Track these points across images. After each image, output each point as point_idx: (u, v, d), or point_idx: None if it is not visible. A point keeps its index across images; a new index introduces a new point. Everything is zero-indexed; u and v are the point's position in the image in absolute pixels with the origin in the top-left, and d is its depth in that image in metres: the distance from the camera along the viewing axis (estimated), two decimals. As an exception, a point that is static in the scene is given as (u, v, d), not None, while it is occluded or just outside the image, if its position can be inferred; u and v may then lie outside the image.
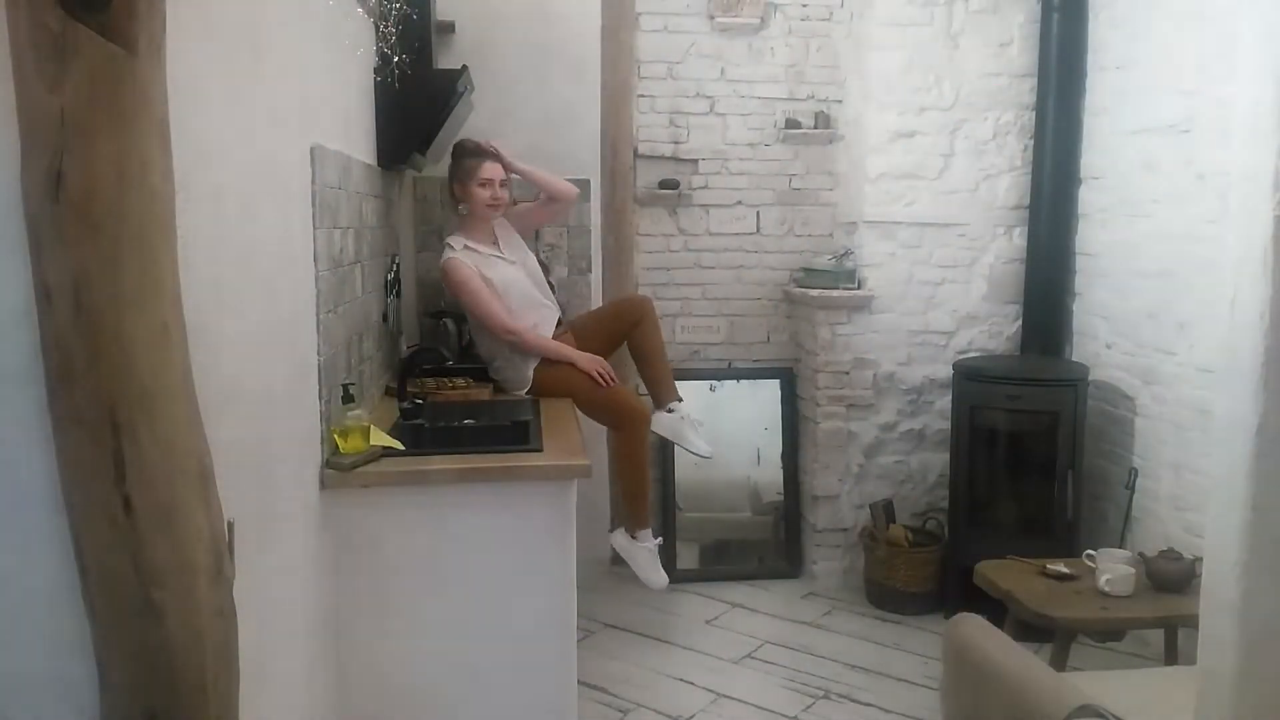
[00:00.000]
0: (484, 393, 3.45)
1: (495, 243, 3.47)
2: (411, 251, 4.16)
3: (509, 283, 3.40)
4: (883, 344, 4.22)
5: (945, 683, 2.26)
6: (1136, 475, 3.64)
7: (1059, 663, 2.72)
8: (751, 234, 4.52)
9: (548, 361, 3.38)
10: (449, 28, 3.97)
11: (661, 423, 3.53)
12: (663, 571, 3.46)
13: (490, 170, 3.39)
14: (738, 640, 3.77)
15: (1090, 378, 3.84)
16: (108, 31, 1.12)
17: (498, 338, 3.38)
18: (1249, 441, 1.55)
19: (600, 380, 3.31)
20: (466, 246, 3.38)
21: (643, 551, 3.42)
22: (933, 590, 3.99)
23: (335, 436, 2.48)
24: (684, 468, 4.41)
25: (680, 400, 3.57)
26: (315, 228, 2.33)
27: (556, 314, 3.53)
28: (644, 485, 3.45)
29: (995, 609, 2.76)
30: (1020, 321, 4.26)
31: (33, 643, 1.26)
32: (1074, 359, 4.11)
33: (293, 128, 2.16)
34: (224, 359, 1.61)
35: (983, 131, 4.17)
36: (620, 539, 3.48)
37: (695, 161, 4.45)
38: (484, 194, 3.38)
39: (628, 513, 3.50)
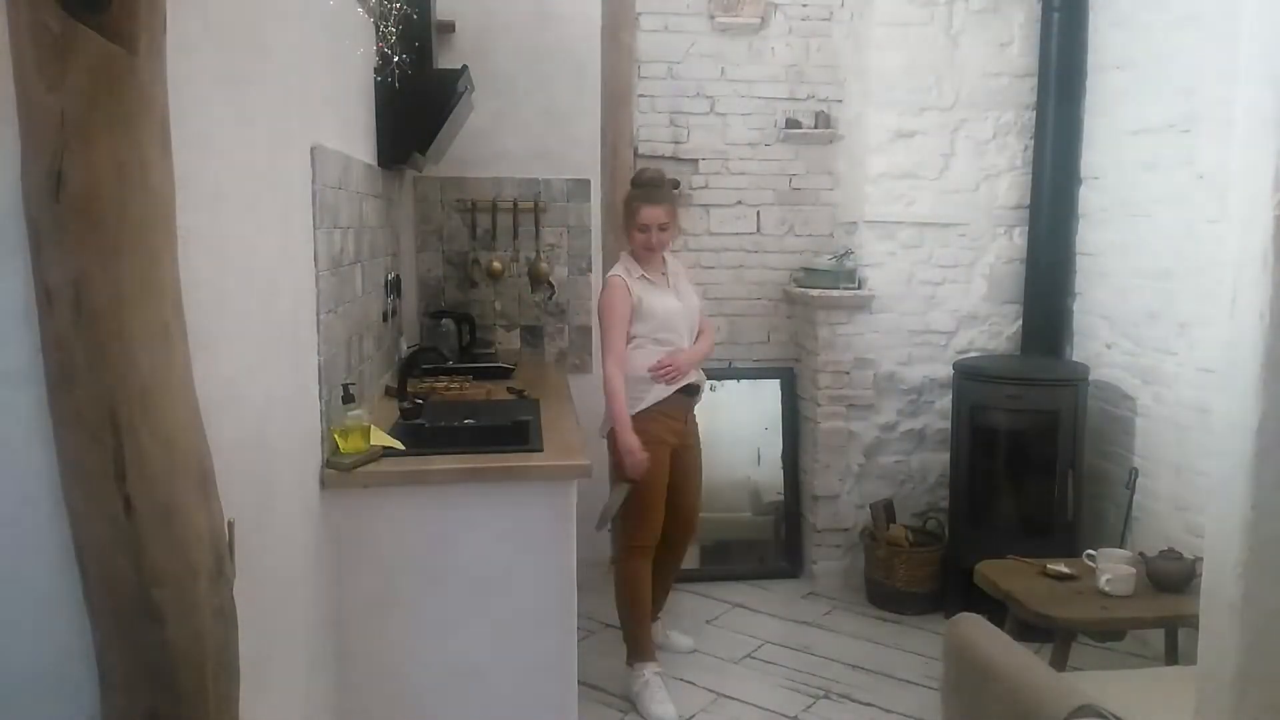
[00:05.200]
0: (484, 392, 3.46)
1: (665, 274, 3.40)
2: (411, 251, 4.17)
3: (671, 314, 3.32)
4: (883, 344, 4.22)
5: (945, 683, 2.26)
6: (1136, 475, 3.63)
7: (1059, 663, 2.72)
8: (752, 234, 4.52)
9: (680, 399, 3.33)
10: (449, 28, 3.97)
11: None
12: (668, 703, 3.20)
13: (647, 215, 3.29)
14: (738, 640, 3.77)
15: (1090, 378, 3.84)
16: (108, 31, 1.12)
17: (605, 377, 3.27)
18: (1249, 441, 1.55)
19: (622, 471, 3.23)
20: (642, 276, 3.32)
21: (638, 682, 3.28)
22: (933, 590, 3.98)
23: (335, 436, 2.49)
24: (684, 468, 4.41)
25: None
26: (315, 228, 2.33)
27: (694, 375, 3.38)
28: (629, 619, 3.36)
29: (995, 609, 2.76)
30: (1020, 321, 4.26)
31: (33, 643, 1.26)
32: (1074, 359, 4.11)
33: (293, 128, 2.16)
34: (224, 359, 1.61)
35: (983, 131, 4.17)
36: (628, 678, 3.34)
37: (695, 161, 4.45)
38: (639, 238, 3.31)
39: (625, 641, 3.40)
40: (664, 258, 3.44)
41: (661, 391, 3.30)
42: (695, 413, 3.53)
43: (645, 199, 3.31)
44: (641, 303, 3.30)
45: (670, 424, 3.33)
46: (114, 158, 1.15)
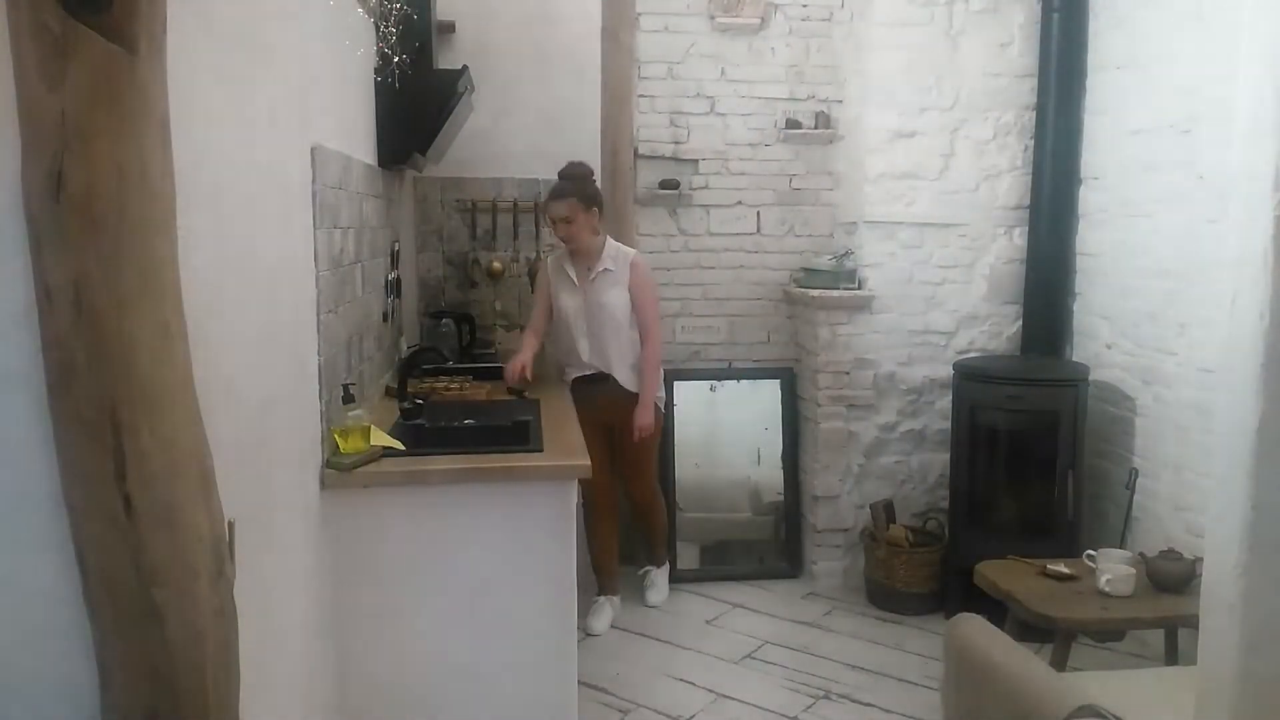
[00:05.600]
0: (484, 392, 3.46)
1: (589, 269, 3.67)
2: (412, 251, 4.16)
3: (563, 308, 3.69)
4: (883, 344, 4.22)
5: (945, 683, 2.26)
6: (1136, 475, 3.63)
7: (1059, 663, 2.72)
8: (752, 234, 4.52)
9: (580, 386, 3.69)
10: (449, 28, 3.97)
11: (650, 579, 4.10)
12: (601, 620, 3.78)
13: (552, 209, 3.58)
14: (738, 640, 3.77)
15: (1090, 378, 3.84)
16: (108, 31, 1.12)
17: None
18: (1249, 441, 1.56)
19: (512, 375, 3.49)
20: (563, 267, 3.71)
21: (591, 606, 3.79)
22: (933, 590, 3.98)
23: (335, 436, 2.49)
24: (684, 468, 4.41)
25: (661, 566, 4.13)
26: (315, 228, 2.33)
27: (588, 368, 3.71)
28: (591, 557, 3.84)
29: (995, 609, 2.76)
30: (1020, 321, 4.26)
31: (33, 643, 1.26)
32: (1074, 359, 4.11)
33: (293, 128, 2.16)
34: (224, 359, 1.61)
35: (983, 131, 4.17)
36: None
37: (695, 161, 4.45)
38: (555, 229, 3.64)
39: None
40: (600, 253, 3.67)
41: (566, 379, 3.76)
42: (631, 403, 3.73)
43: (549, 194, 3.63)
44: (553, 295, 3.73)
45: (585, 409, 3.46)
46: (114, 158, 1.15)
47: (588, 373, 3.70)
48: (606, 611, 3.81)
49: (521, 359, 3.48)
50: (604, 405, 3.67)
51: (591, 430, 3.69)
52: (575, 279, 3.68)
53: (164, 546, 1.23)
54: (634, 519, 4.05)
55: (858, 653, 3.66)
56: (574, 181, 3.60)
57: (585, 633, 3.66)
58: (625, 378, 3.70)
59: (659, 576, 4.10)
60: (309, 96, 2.30)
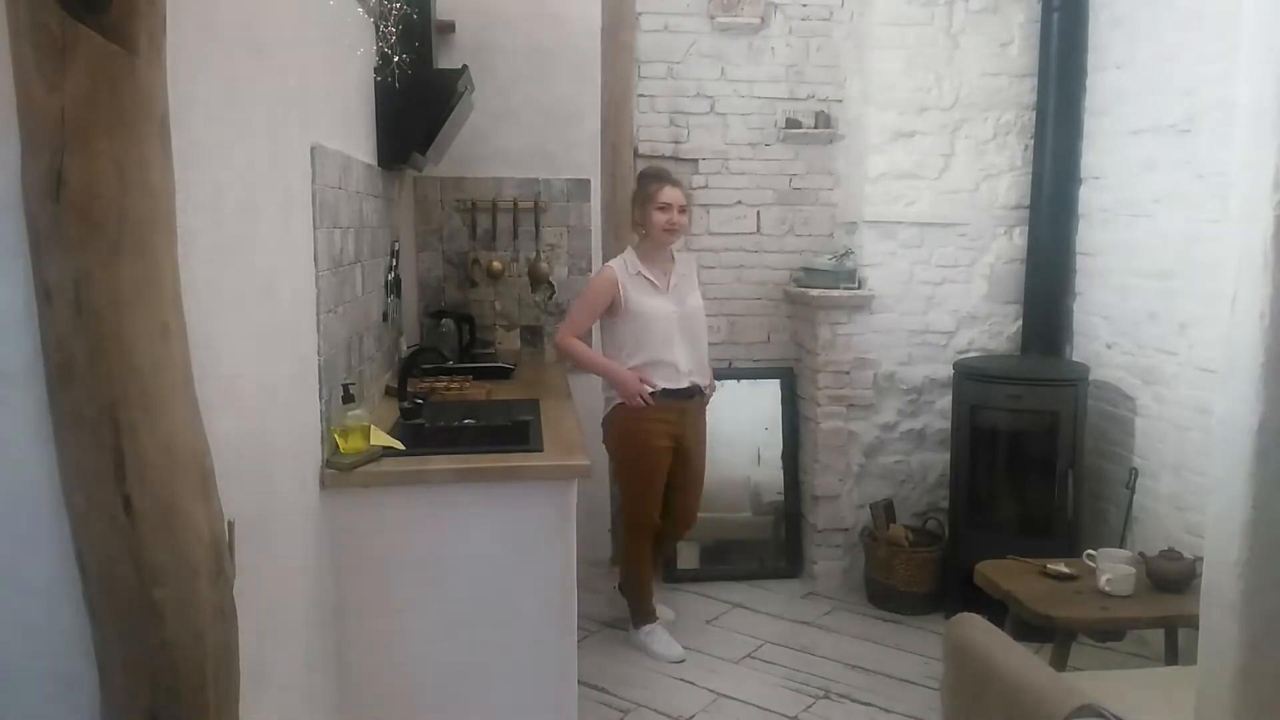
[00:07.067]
0: (484, 392, 3.46)
1: (666, 274, 3.51)
2: (412, 251, 4.17)
3: (653, 315, 3.43)
4: (883, 344, 4.22)
5: (945, 683, 2.26)
6: (1136, 475, 3.63)
7: (1059, 663, 2.72)
8: (752, 234, 4.52)
9: (621, 417, 3.46)
10: (449, 28, 3.97)
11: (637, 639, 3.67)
12: (675, 644, 3.59)
13: (669, 195, 3.44)
14: (738, 640, 3.77)
15: (1090, 378, 3.84)
16: (108, 31, 1.12)
17: (558, 345, 3.52)
18: (1249, 441, 1.55)
19: (640, 399, 3.37)
20: (640, 274, 3.46)
21: (644, 635, 3.63)
22: (933, 590, 3.98)
23: (335, 436, 2.49)
24: (684, 468, 4.40)
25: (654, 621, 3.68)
26: (315, 228, 2.33)
27: (686, 379, 3.48)
28: (629, 589, 3.69)
29: (995, 609, 2.76)
30: (1020, 321, 4.26)
31: (33, 642, 1.26)
32: (1074, 359, 4.11)
33: (293, 128, 2.16)
34: (224, 359, 1.61)
35: (983, 131, 4.17)
36: (632, 637, 3.69)
37: (695, 161, 4.45)
38: (661, 218, 3.43)
39: (629, 608, 3.71)
40: (672, 255, 3.56)
41: (667, 373, 3.45)
42: (703, 416, 3.62)
43: (664, 180, 3.49)
44: (629, 301, 3.42)
45: (661, 426, 3.42)
46: (114, 158, 1.15)
47: (682, 386, 3.46)
48: (666, 634, 3.62)
49: (635, 378, 3.37)
50: (686, 422, 3.50)
51: (659, 454, 3.46)
52: (657, 284, 3.46)
53: (164, 546, 1.23)
54: (668, 542, 3.84)
55: (858, 652, 3.67)
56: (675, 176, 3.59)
57: (670, 661, 3.51)
58: (707, 390, 3.59)
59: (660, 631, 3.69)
60: (309, 96, 2.30)
